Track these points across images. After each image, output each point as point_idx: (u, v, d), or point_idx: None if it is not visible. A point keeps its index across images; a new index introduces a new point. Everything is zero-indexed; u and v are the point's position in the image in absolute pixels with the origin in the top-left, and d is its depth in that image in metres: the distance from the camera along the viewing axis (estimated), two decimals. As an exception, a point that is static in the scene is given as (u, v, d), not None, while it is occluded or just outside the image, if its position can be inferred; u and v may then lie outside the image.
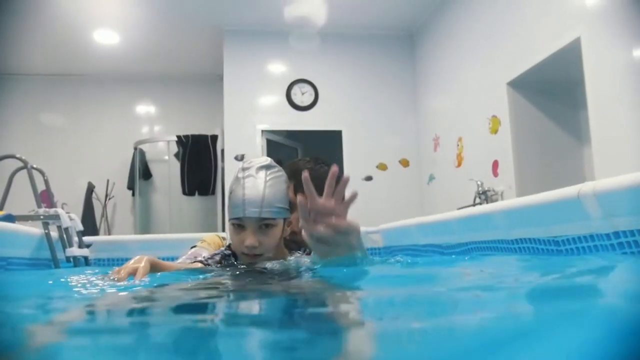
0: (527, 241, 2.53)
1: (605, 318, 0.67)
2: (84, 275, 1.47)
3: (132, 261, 1.33)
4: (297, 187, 1.68)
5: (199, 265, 1.54)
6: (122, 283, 1.24)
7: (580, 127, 4.79)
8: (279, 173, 1.58)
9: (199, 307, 0.97)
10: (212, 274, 1.42)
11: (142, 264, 1.30)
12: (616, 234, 1.96)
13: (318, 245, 1.32)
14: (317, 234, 1.29)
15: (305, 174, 1.32)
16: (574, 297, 0.88)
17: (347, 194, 1.38)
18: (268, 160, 1.58)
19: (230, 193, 1.53)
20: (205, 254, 1.68)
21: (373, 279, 1.35)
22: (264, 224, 1.49)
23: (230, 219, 1.53)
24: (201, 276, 1.38)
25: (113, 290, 1.18)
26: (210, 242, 1.93)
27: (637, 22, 3.44)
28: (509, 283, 1.17)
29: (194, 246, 1.93)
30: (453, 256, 2.99)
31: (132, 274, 1.27)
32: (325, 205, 1.30)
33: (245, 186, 1.50)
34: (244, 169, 1.55)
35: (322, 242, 1.30)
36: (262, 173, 1.52)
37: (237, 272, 1.45)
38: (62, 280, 1.58)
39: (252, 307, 0.99)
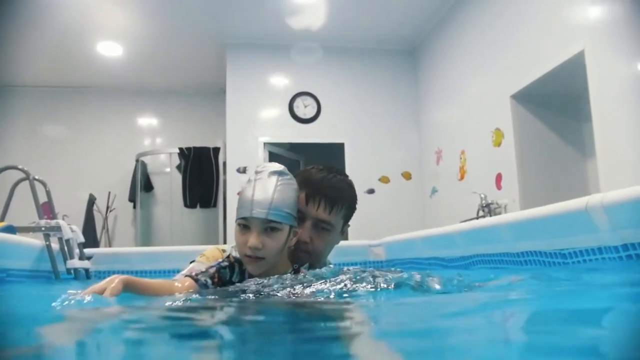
0: (533, 254, 2.49)
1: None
2: (62, 290, 1.41)
3: (104, 280, 1.29)
4: (309, 196, 1.67)
5: (188, 281, 1.50)
6: (87, 299, 1.21)
7: (584, 139, 4.77)
8: (291, 181, 1.58)
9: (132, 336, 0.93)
10: (185, 300, 1.37)
11: (114, 284, 1.26)
12: (625, 247, 1.93)
13: None
14: None
15: None
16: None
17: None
18: (281, 167, 1.58)
19: (240, 195, 1.55)
20: (203, 269, 1.65)
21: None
22: (269, 227, 1.48)
23: (236, 219, 1.53)
24: (170, 302, 1.32)
25: (65, 309, 1.15)
26: (210, 257, 1.89)
27: (641, 35, 3.43)
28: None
29: (193, 261, 1.89)
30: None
31: (100, 293, 1.23)
32: None
33: (256, 187, 1.51)
34: (256, 172, 1.56)
35: None
36: (273, 178, 1.53)
37: (215, 298, 1.40)
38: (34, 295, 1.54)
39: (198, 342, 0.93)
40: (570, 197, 2.16)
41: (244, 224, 1.50)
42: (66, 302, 1.20)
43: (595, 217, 1.99)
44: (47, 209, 4.31)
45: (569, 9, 4.13)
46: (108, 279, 1.29)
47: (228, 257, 1.63)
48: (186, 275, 1.59)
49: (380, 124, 7.26)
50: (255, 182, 1.52)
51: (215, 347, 0.83)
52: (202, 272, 1.54)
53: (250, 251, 1.48)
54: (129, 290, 1.32)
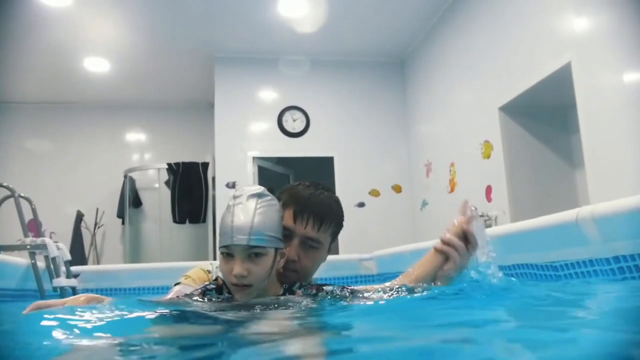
0: (525, 267, 2.48)
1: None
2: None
3: (70, 299, 1.28)
4: (297, 213, 1.63)
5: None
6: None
7: (573, 151, 4.79)
8: (272, 202, 1.51)
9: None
10: (163, 309, 1.34)
11: (79, 302, 1.26)
12: (616, 259, 1.92)
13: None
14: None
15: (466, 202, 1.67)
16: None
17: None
18: (260, 189, 1.52)
19: (221, 222, 1.48)
20: (189, 292, 1.61)
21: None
22: (253, 253, 1.43)
23: (219, 248, 1.47)
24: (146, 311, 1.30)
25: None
26: (195, 278, 1.83)
27: (626, 46, 3.46)
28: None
29: (178, 283, 1.84)
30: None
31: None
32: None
33: (235, 213, 1.44)
34: (234, 197, 1.50)
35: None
36: (252, 201, 1.47)
37: (191, 310, 1.38)
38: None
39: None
40: (560, 208, 2.16)
41: (227, 252, 1.44)
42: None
43: (585, 229, 1.98)
44: (34, 227, 4.26)
45: (556, 21, 4.16)
46: (76, 296, 1.32)
47: (216, 279, 1.59)
48: (170, 299, 1.56)
49: (370, 137, 7.26)
50: (234, 208, 1.46)
51: None
52: (187, 295, 1.51)
53: (236, 279, 1.44)
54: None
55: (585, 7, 3.83)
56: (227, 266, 1.44)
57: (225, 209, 1.49)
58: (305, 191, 1.68)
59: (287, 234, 1.59)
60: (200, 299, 1.49)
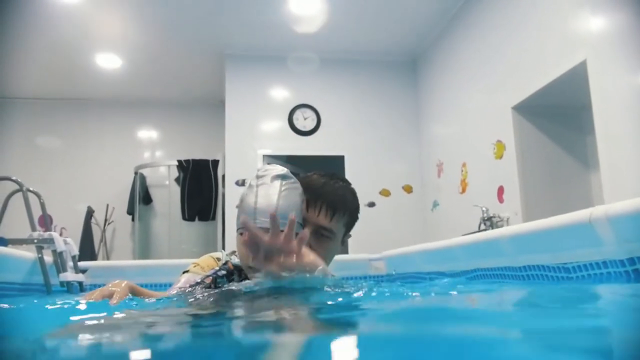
0: (536, 268, 2.42)
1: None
2: (59, 299, 1.38)
3: (110, 284, 1.25)
4: (310, 202, 1.58)
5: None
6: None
7: (587, 151, 4.71)
8: (295, 185, 1.45)
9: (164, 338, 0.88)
10: (188, 300, 1.31)
11: (120, 289, 1.22)
12: (631, 260, 1.86)
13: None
14: (266, 271, 1.27)
15: (292, 216, 1.27)
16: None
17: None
18: (284, 170, 1.45)
19: (242, 201, 1.41)
20: (199, 279, 1.56)
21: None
22: None
23: (238, 229, 1.41)
24: (176, 304, 1.28)
25: (80, 315, 1.10)
26: (204, 266, 1.79)
27: (644, 45, 3.38)
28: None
29: (186, 271, 1.80)
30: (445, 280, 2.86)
31: (108, 297, 1.19)
32: (273, 243, 1.25)
33: (258, 194, 1.38)
34: (258, 177, 1.43)
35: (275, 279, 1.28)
36: (277, 182, 1.40)
37: (214, 298, 1.34)
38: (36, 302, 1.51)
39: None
40: (574, 209, 2.09)
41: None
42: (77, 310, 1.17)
43: (599, 230, 1.92)
44: (44, 222, 4.25)
45: (570, 19, 4.08)
46: (115, 282, 1.29)
47: (226, 264, 1.54)
48: (180, 288, 1.52)
49: (381, 137, 7.20)
50: (257, 188, 1.39)
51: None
52: (199, 282, 1.47)
53: (253, 263, 1.38)
54: (133, 296, 1.30)
55: (602, 5, 3.76)
56: (245, 248, 1.38)
57: (246, 189, 1.43)
58: (319, 180, 1.64)
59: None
60: (209, 288, 1.44)
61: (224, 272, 1.49)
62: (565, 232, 2.11)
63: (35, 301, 1.52)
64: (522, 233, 2.44)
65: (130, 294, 1.27)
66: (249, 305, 1.19)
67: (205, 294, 1.35)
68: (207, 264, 1.78)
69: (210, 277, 1.47)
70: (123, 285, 1.26)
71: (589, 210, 1.95)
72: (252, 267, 1.37)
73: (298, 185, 1.47)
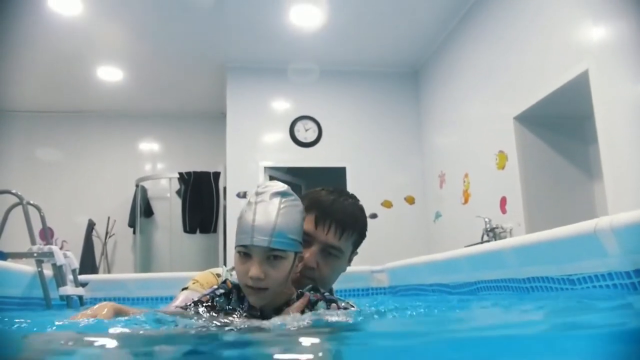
0: (540, 280, 2.39)
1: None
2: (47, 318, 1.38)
3: (95, 307, 1.23)
4: (319, 219, 1.56)
5: (177, 311, 1.40)
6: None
7: (590, 161, 4.68)
8: (295, 202, 1.41)
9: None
10: (176, 322, 1.28)
11: (104, 312, 1.21)
12: (637, 272, 1.83)
13: None
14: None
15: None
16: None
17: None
18: (284, 187, 1.41)
19: (240, 218, 1.38)
20: (197, 298, 1.53)
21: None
22: (272, 255, 1.33)
23: (236, 246, 1.38)
24: (163, 325, 1.25)
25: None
26: (204, 283, 1.76)
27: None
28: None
29: (185, 287, 1.77)
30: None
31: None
32: None
33: (257, 212, 1.34)
34: (257, 194, 1.39)
35: None
36: (276, 200, 1.37)
37: (203, 325, 1.31)
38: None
39: None
40: (577, 220, 2.07)
41: (245, 252, 1.35)
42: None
43: (604, 241, 1.89)
44: (44, 235, 4.24)
45: (572, 29, 4.07)
46: (97, 305, 1.28)
47: (225, 282, 1.51)
48: (177, 307, 1.49)
49: (383, 148, 7.19)
50: (256, 205, 1.35)
51: None
52: (197, 301, 1.43)
53: (252, 282, 1.35)
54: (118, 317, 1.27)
55: (603, 15, 3.75)
56: (243, 267, 1.35)
57: (245, 205, 1.39)
58: (328, 197, 1.61)
59: (307, 240, 1.52)
60: (207, 308, 1.41)
61: (222, 290, 1.46)
62: (570, 243, 2.08)
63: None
64: (526, 244, 2.41)
65: (116, 316, 1.26)
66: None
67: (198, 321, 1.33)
68: (206, 280, 1.74)
69: (208, 296, 1.44)
70: (107, 308, 1.26)
71: (594, 221, 1.92)
72: (250, 287, 1.35)
73: (299, 202, 1.43)
